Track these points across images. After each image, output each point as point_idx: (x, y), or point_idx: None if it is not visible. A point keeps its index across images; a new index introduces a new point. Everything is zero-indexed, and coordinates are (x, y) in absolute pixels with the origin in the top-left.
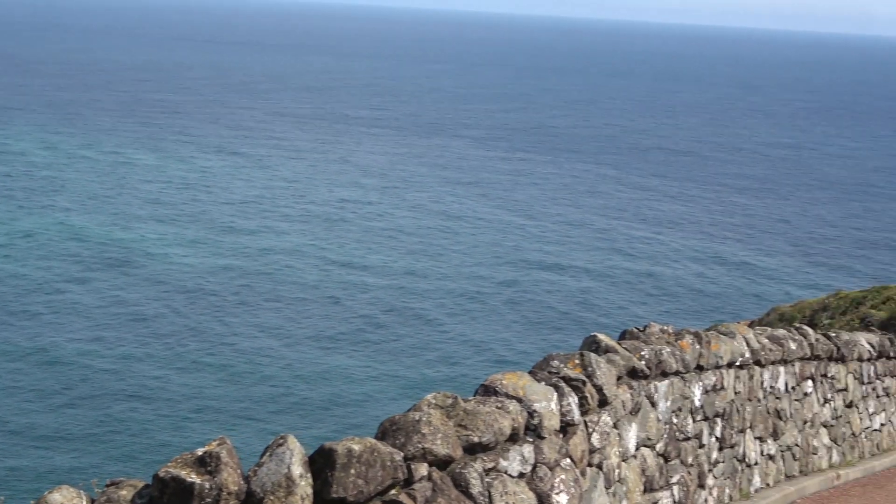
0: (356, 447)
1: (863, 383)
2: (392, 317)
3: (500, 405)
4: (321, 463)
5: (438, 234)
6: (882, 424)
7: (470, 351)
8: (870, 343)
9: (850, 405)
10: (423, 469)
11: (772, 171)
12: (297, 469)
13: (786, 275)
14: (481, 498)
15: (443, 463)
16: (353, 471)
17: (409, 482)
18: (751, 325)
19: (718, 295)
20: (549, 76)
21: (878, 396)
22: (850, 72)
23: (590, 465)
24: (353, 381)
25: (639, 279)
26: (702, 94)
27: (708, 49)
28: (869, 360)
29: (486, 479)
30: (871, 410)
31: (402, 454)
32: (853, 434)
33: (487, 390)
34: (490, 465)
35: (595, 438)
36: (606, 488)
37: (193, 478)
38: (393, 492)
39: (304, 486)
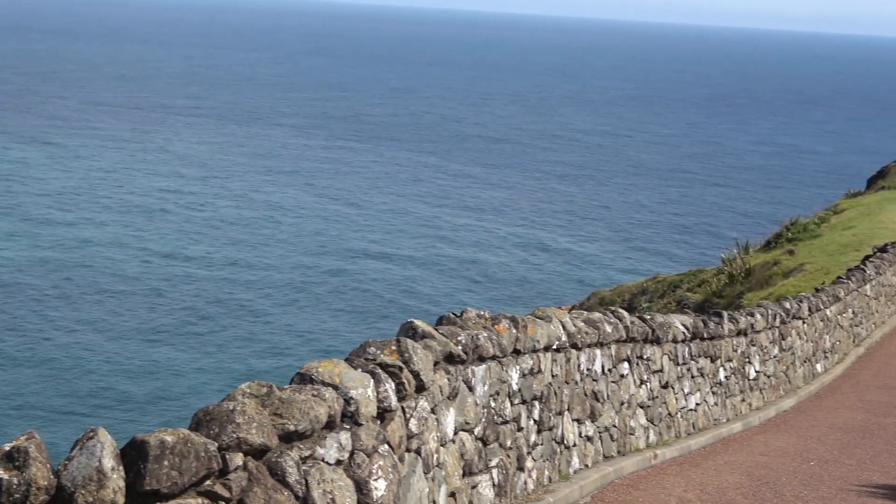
0: (169, 438)
1: (678, 364)
2: (217, 308)
3: (316, 393)
4: (133, 455)
5: (261, 224)
6: (697, 404)
7: (297, 341)
8: (684, 325)
9: (665, 386)
10: (238, 459)
11: (590, 157)
12: (109, 462)
13: (606, 260)
14: (298, 486)
15: (258, 452)
16: (166, 462)
17: (224, 472)
18: (571, 310)
19: (542, 281)
20: (368, 64)
21: (692, 377)
22: (665, 60)
23: (408, 450)
24: (178, 373)
25: (464, 266)
26: (519, 83)
27: (526, 37)
28: (683, 341)
29: (303, 468)
30: (686, 391)
31: (216, 444)
32: (669, 414)
33: (303, 378)
34: (307, 454)
35: (413, 424)
36: (425, 473)
37: (1, 473)
38: (207, 483)
39: (116, 480)
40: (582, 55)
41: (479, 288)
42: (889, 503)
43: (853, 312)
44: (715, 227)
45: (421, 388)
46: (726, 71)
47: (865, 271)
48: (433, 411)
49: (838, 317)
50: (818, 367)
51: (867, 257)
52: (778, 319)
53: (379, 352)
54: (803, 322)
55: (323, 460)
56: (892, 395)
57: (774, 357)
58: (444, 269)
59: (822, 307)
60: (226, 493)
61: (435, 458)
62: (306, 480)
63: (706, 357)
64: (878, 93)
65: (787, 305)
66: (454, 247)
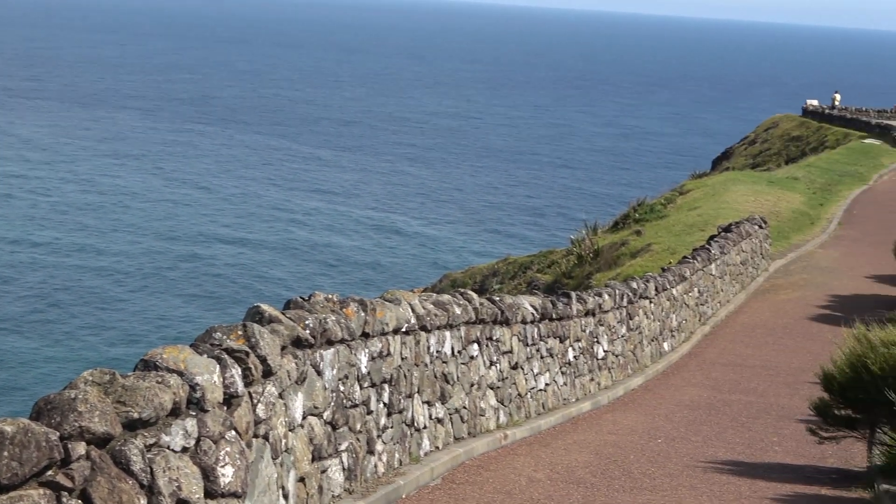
0: (8, 429)
1: (527, 345)
2: (66, 295)
3: (160, 380)
4: None
5: (110, 209)
6: (547, 384)
7: (149, 328)
8: (533, 306)
9: (515, 367)
10: (80, 448)
11: (440, 140)
12: None
13: (459, 242)
14: (143, 475)
15: (102, 441)
16: (6, 453)
17: (66, 462)
18: (423, 293)
19: (395, 264)
20: (216, 47)
21: (542, 357)
22: (514, 43)
23: (256, 436)
24: (26, 363)
25: (317, 250)
26: (368, 65)
27: (374, 19)
28: (532, 322)
29: (148, 456)
30: (535, 371)
31: (58, 434)
32: (519, 395)
33: (147, 365)
34: (151, 441)
35: (260, 409)
36: (273, 459)
37: None
38: (49, 473)
39: None
40: (430, 37)
41: (333, 272)
42: (733, 478)
43: (699, 291)
44: (565, 209)
45: (268, 373)
46: (574, 54)
47: (710, 251)
48: (281, 396)
49: (684, 296)
50: (665, 345)
51: (712, 237)
52: (625, 299)
53: (225, 337)
54: (650, 302)
55: (168, 448)
56: (738, 372)
57: (622, 336)
58: (298, 254)
59: (668, 287)
60: (68, 483)
61: (283, 444)
62: (151, 468)
63: (555, 337)
64: (723, 75)
65: (635, 285)
66: (307, 230)
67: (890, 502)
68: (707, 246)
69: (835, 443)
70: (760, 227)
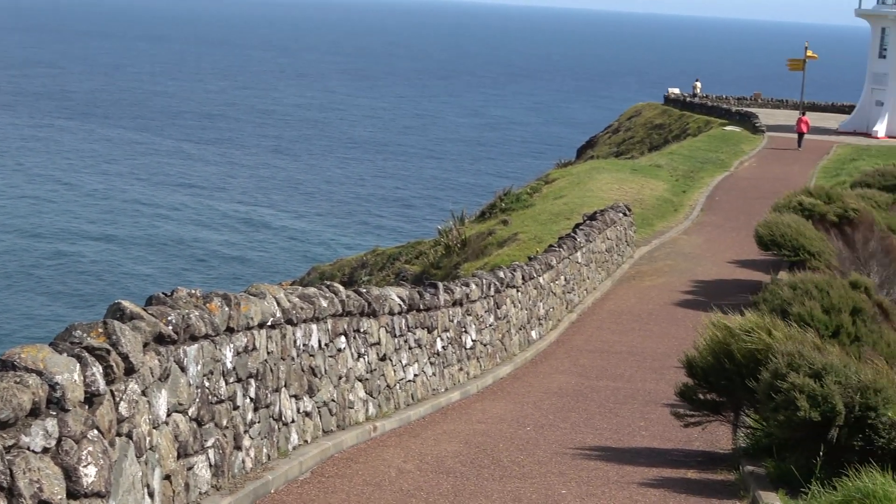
0: None
1: (395, 336)
2: None
3: (18, 380)
4: None
5: None
6: (416, 375)
7: (16, 326)
8: (400, 297)
9: (383, 358)
10: None
11: (305, 132)
12: None
13: (327, 235)
14: (2, 476)
15: None
16: None
17: None
18: (292, 286)
19: (264, 258)
20: (75, 41)
21: (410, 348)
22: (376, 34)
23: (119, 434)
24: None
25: (184, 245)
26: (230, 58)
27: (235, 12)
28: (400, 313)
29: (7, 457)
30: (404, 362)
31: None
32: (388, 386)
33: (5, 365)
34: (11, 443)
35: (123, 407)
36: (138, 457)
37: None
38: None
39: None
40: (292, 29)
41: (202, 267)
42: (601, 463)
43: (565, 279)
44: (432, 200)
45: (130, 370)
46: (437, 45)
47: (576, 239)
48: (144, 394)
49: (551, 284)
50: (533, 333)
51: (577, 225)
52: (493, 289)
53: (85, 335)
54: (517, 290)
55: (28, 448)
56: (605, 358)
57: (490, 326)
58: (165, 249)
59: (535, 275)
60: None
61: (148, 441)
62: (11, 470)
63: (423, 328)
64: (585, 65)
65: (502, 274)
66: (174, 225)
67: (754, 483)
68: (573, 234)
69: (700, 427)
70: (625, 214)
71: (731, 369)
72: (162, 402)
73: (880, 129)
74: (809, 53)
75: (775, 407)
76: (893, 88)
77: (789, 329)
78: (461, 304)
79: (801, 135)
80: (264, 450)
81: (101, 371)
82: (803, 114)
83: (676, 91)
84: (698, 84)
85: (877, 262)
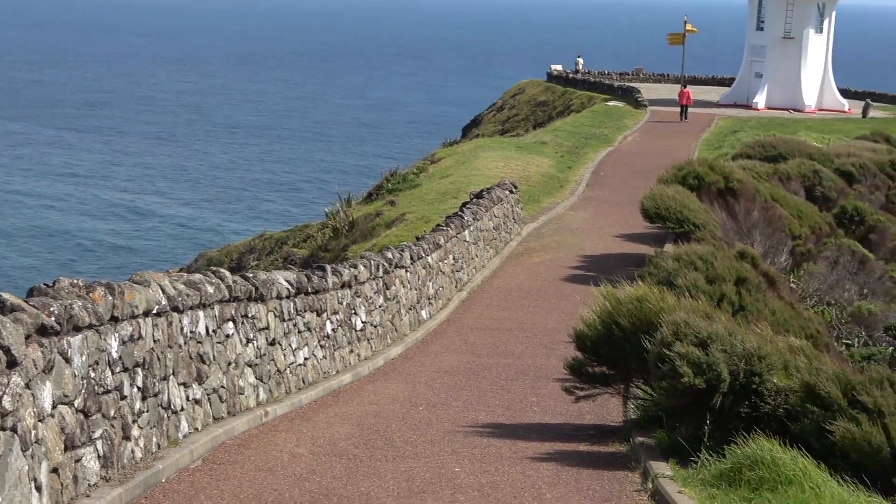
0: None
1: (284, 320)
2: None
3: None
4: None
5: None
6: (306, 359)
7: None
8: (288, 281)
9: (273, 343)
10: None
11: (188, 117)
12: None
13: (216, 221)
14: None
15: None
16: None
17: None
18: (177, 273)
19: (153, 246)
20: None
21: (299, 332)
22: (259, 17)
23: (3, 429)
24: None
25: (71, 236)
26: (107, 44)
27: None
28: (288, 297)
29: None
30: (294, 346)
31: None
32: (278, 371)
33: None
34: None
35: (6, 401)
36: (23, 451)
37: None
38: None
39: None
40: (169, 14)
41: (89, 257)
42: (494, 440)
43: (454, 258)
44: (319, 183)
45: (13, 363)
46: (317, 26)
47: (464, 218)
48: (28, 386)
49: (440, 263)
50: (423, 313)
51: (465, 204)
52: (381, 270)
53: None
54: (406, 271)
55: None
56: (495, 336)
57: (380, 307)
58: (51, 240)
59: (423, 255)
60: None
61: (33, 435)
62: None
63: (312, 311)
64: (468, 44)
65: (390, 255)
66: (58, 216)
67: (645, 454)
68: (460, 213)
69: (591, 400)
70: (511, 191)
71: (618, 339)
72: (47, 394)
73: (760, 100)
74: (689, 27)
75: (662, 376)
76: (771, 60)
77: (678, 298)
78: (350, 287)
79: (683, 107)
80: (154, 439)
81: None
82: (685, 87)
83: (559, 68)
84: (580, 60)
85: (759, 232)
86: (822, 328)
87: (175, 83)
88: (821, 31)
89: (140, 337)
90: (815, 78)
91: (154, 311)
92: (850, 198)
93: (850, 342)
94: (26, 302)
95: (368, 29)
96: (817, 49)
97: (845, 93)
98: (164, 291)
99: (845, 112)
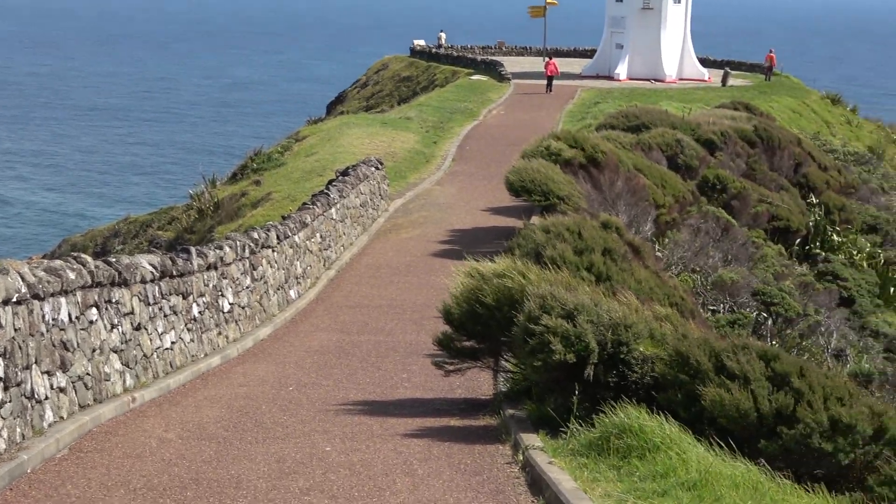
0: None
1: (149, 304)
2: None
3: None
4: None
5: None
6: (173, 343)
7: None
8: (152, 264)
9: (138, 328)
10: None
11: (45, 100)
12: None
13: (80, 206)
14: None
15: None
16: None
17: None
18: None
19: (16, 233)
20: None
21: (165, 316)
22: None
23: None
24: None
25: None
26: None
27: None
28: (153, 281)
29: None
30: (160, 330)
31: None
32: (145, 356)
33: None
34: None
35: None
36: None
37: None
38: None
39: None
40: None
41: None
42: (365, 418)
43: (321, 237)
44: (184, 164)
45: None
46: (174, 4)
47: (330, 196)
48: None
49: (307, 242)
50: (292, 293)
51: (331, 182)
52: (247, 250)
53: None
54: (273, 251)
55: None
56: (365, 313)
57: (247, 288)
58: None
59: (290, 234)
60: None
61: None
62: None
63: (178, 294)
64: (328, 21)
65: (256, 235)
66: None
67: (515, 426)
68: (326, 191)
69: (461, 374)
70: (377, 168)
71: (485, 314)
72: None
73: (622, 71)
74: (549, 0)
75: (531, 350)
76: (631, 31)
77: (542, 271)
78: (216, 268)
79: (550, 78)
80: (18, 429)
81: None
82: (550, 58)
83: (422, 43)
84: (443, 35)
85: (624, 202)
86: (687, 296)
87: (30, 66)
88: (679, 1)
89: (0, 326)
90: (674, 48)
91: (14, 300)
92: (711, 166)
93: (715, 308)
94: None
95: (225, 5)
96: (676, 19)
97: (705, 62)
98: (23, 279)
99: (705, 81)
